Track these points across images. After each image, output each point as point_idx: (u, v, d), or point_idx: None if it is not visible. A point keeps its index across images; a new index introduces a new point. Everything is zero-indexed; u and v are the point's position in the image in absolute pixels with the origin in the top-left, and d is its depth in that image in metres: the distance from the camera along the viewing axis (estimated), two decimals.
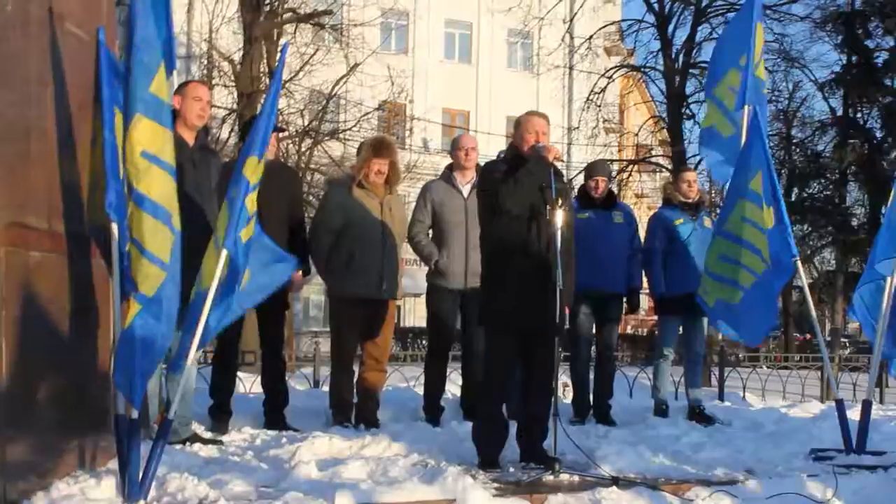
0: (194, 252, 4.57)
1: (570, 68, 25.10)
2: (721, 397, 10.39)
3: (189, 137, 6.01)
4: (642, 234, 8.59)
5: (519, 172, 5.64)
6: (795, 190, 27.78)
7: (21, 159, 4.19)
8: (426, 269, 7.80)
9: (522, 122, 5.95)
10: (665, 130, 24.77)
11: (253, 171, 4.59)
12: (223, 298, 4.48)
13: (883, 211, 6.80)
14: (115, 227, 4.50)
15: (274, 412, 7.13)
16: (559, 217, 5.57)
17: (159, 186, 4.35)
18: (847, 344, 33.21)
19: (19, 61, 4.20)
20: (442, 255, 7.57)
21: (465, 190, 7.59)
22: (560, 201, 5.61)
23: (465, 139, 7.98)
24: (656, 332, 9.82)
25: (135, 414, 4.35)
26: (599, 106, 23.76)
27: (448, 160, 8.09)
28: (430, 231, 7.74)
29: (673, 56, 22.93)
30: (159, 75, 4.45)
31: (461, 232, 7.51)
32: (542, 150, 5.72)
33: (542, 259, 5.65)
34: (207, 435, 6.49)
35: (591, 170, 8.43)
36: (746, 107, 6.95)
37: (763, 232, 6.58)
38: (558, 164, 5.88)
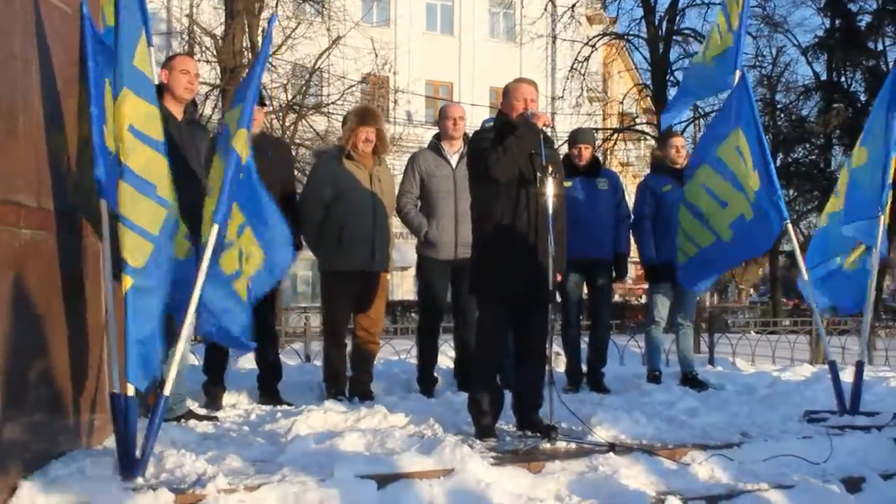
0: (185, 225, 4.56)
1: (553, 38, 25.04)
2: (712, 362, 10.43)
3: (177, 111, 5.95)
4: (629, 200, 8.59)
5: (508, 140, 5.59)
6: (780, 155, 27.78)
7: (8, 136, 4.14)
8: (413, 241, 7.78)
9: (511, 89, 5.91)
10: (649, 98, 24.75)
11: (243, 144, 4.58)
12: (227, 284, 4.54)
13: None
14: (103, 203, 4.48)
15: (268, 387, 7.12)
16: (549, 184, 5.55)
17: (143, 161, 4.31)
18: None
19: (4, 37, 4.14)
20: (431, 226, 7.53)
21: (454, 160, 7.55)
22: (550, 168, 5.58)
23: (453, 108, 7.93)
24: (645, 300, 9.85)
25: (131, 391, 4.33)
26: (583, 75, 23.73)
27: (432, 132, 8.04)
28: (419, 202, 7.71)
29: (656, 23, 22.90)
30: (140, 46, 4.39)
31: (450, 202, 7.48)
32: (531, 116, 5.67)
33: (532, 227, 5.63)
34: (202, 411, 6.48)
35: (575, 137, 8.39)
36: (738, 71, 6.93)
37: (719, 203, 6.76)
38: (547, 131, 5.84)
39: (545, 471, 4.91)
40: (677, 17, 23.30)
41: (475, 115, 25.03)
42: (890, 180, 6.58)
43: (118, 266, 4.30)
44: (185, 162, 5.82)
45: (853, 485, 4.92)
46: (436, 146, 7.73)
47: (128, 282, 4.18)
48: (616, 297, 38.67)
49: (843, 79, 27.63)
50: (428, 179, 7.59)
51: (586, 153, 8.17)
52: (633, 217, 8.39)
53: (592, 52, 24.18)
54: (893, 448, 5.54)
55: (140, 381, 4.31)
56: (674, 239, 7.55)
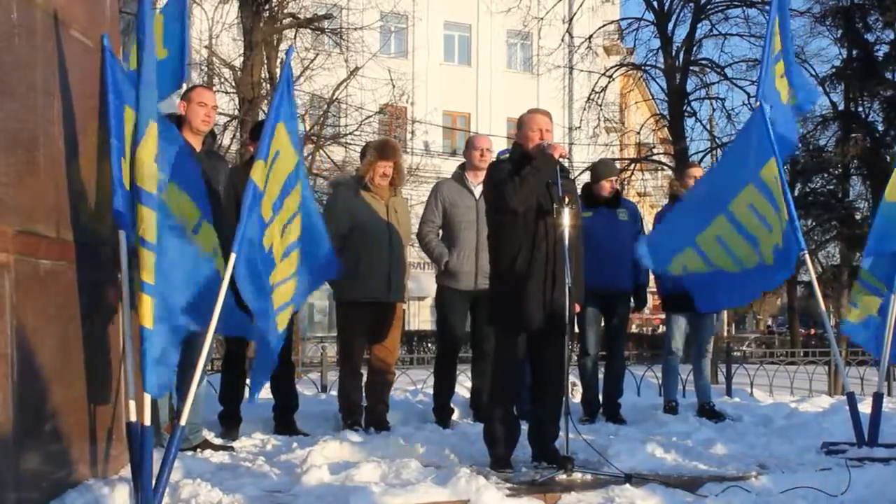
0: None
1: (571, 68, 25.04)
2: (729, 393, 10.36)
3: (195, 142, 6.01)
4: (647, 230, 8.58)
5: (524, 171, 5.62)
6: (798, 185, 27.69)
7: (29, 167, 4.19)
8: (431, 271, 7.77)
9: (526, 120, 5.93)
10: (666, 128, 24.72)
11: (260, 175, 4.61)
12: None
13: None
14: (121, 234, 4.51)
15: (284, 417, 7.13)
16: (566, 215, 5.56)
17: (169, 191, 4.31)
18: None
19: (25, 69, 4.20)
20: (452, 255, 7.54)
21: (477, 190, 7.54)
22: (567, 199, 5.59)
23: (482, 140, 7.97)
24: (663, 330, 9.81)
25: (147, 421, 4.35)
26: (600, 105, 23.69)
27: (450, 162, 8.06)
28: (440, 231, 7.72)
29: (673, 54, 22.87)
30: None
31: (472, 232, 7.49)
32: (548, 147, 5.70)
33: (549, 257, 5.63)
34: (218, 441, 6.50)
35: (606, 171, 8.36)
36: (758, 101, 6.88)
37: (766, 226, 6.57)
38: (564, 162, 5.86)
39: (561, 502, 4.93)
40: (694, 48, 23.26)
41: (493, 145, 25.13)
42: None
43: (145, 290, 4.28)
44: None
45: None
46: (460, 176, 7.75)
47: (149, 301, 4.16)
48: (633, 328, 38.57)
49: (860, 109, 27.56)
50: (451, 209, 7.61)
51: (613, 185, 8.20)
52: None
53: (609, 82, 24.16)
54: None
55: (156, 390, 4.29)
56: (684, 243, 7.06)
